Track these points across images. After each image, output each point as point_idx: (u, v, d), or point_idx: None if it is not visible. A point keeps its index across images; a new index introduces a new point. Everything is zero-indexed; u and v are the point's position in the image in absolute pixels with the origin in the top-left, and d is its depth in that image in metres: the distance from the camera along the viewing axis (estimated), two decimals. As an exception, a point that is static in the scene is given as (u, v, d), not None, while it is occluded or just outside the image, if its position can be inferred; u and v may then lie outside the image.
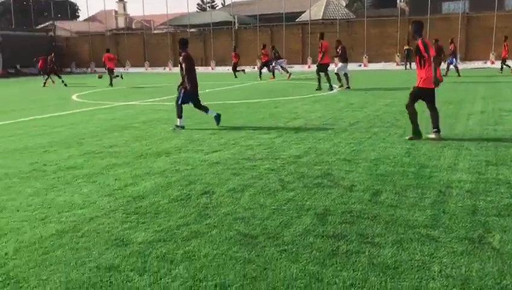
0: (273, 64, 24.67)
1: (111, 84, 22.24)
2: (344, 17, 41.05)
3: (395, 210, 4.37)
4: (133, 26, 54.58)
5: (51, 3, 47.41)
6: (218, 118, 9.52)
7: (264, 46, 25.21)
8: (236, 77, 25.27)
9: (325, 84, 16.60)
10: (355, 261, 3.35)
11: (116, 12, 56.73)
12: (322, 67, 16.90)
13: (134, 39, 44.29)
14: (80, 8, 66.25)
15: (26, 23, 47.81)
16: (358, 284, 3.04)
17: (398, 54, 33.19)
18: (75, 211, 4.58)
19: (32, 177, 5.92)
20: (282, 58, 25.76)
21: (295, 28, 38.55)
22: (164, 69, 40.98)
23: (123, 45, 43.06)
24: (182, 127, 9.32)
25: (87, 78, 31.24)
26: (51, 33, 46.85)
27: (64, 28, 49.46)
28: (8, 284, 3.14)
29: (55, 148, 7.71)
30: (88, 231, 4.07)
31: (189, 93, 9.44)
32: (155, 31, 48.86)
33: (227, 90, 18.98)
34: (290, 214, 4.35)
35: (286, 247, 3.61)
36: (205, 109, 9.68)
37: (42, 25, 50.23)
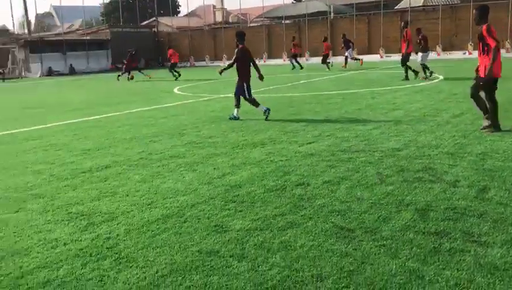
0: (347, 53, 24.94)
1: (177, 77, 23.83)
2: (447, 2, 38.63)
3: (505, 208, 4.07)
4: (230, 20, 55.94)
5: (155, 1, 50.08)
6: (267, 112, 9.45)
7: (294, 38, 29.49)
8: (329, 69, 24.94)
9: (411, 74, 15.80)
10: (460, 260, 3.18)
11: (214, 7, 58.47)
12: (407, 57, 16.25)
13: (231, 33, 45.29)
14: (180, 4, 69.08)
15: (132, 21, 51.00)
16: (463, 284, 2.88)
17: (508, 40, 30.61)
18: (178, 198, 4.83)
19: (140, 165, 6.34)
20: (350, 47, 25.34)
21: (394, 15, 37.05)
22: (259, 61, 41.51)
23: (220, 39, 44.29)
24: (236, 118, 9.58)
25: (186, 72, 32.63)
26: (154, 29, 49.55)
27: (166, 23, 52.03)
28: (120, 263, 3.41)
29: (160, 138, 8.18)
30: (190, 216, 4.28)
31: (240, 86, 9.66)
32: (251, 24, 49.65)
33: (321, 81, 18.79)
34: (388, 208, 4.23)
35: (385, 242, 3.52)
36: (256, 104, 9.70)
37: (146, 22, 53.27)
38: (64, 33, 47.90)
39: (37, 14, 67.41)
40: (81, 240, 3.87)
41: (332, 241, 3.59)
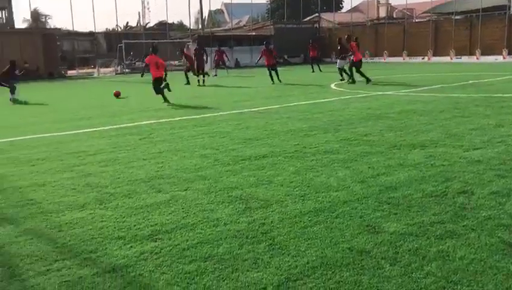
0: None
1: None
2: None
3: None
4: (394, 16, 53.91)
5: (318, -3, 50.64)
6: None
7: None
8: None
9: None
10: None
11: (378, 2, 56.95)
12: None
13: (394, 28, 43.73)
14: (344, 0, 68.64)
15: (295, 17, 52.25)
16: None
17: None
18: (331, 193, 4.86)
19: (295, 157, 6.52)
20: None
21: None
22: (423, 58, 39.36)
23: (382, 35, 43.00)
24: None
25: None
26: (316, 25, 50.12)
27: (327, 19, 52.26)
28: (273, 249, 3.57)
29: (315, 133, 8.30)
30: (342, 213, 4.28)
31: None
32: (416, 20, 47.22)
33: (497, 82, 17.06)
34: None
35: None
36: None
37: (308, 18, 54.12)
38: (233, 29, 51.17)
39: (210, 11, 73.10)
40: (239, 222, 4.14)
41: (497, 257, 3.28)
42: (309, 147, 7.11)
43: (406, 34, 41.96)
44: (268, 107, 12.38)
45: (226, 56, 29.30)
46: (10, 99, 16.47)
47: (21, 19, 77.09)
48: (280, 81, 20.68)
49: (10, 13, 38.23)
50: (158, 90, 13.99)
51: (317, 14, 52.06)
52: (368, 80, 18.02)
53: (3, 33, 34.48)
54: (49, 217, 4.47)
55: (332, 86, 18.23)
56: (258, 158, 6.55)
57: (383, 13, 54.30)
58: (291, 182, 5.34)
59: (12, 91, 16.76)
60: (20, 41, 32.63)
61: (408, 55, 40.67)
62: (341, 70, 20.00)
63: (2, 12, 38.43)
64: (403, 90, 15.27)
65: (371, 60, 39.96)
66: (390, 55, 41.15)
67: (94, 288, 3.08)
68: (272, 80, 20.73)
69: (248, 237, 3.81)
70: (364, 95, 14.41)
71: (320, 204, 4.53)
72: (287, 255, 3.45)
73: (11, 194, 5.25)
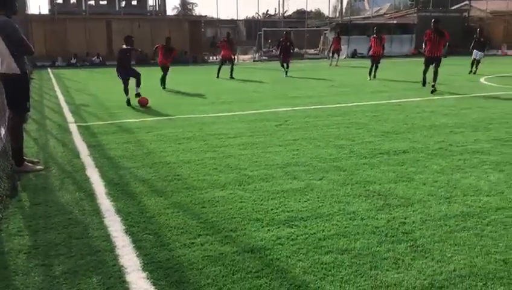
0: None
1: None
2: None
3: None
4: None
5: (470, -17, 46.62)
6: None
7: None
8: None
9: None
10: None
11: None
12: None
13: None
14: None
15: (443, 5, 48.82)
16: None
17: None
18: (481, 197, 4.45)
19: (439, 155, 6.09)
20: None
21: None
22: None
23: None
24: None
25: (496, 60, 29.44)
26: (465, 13, 46.30)
27: (479, 8, 47.92)
28: (415, 251, 3.37)
29: (462, 130, 7.67)
30: (494, 220, 3.88)
31: None
32: None
33: None
34: None
35: None
36: None
37: (457, 6, 50.18)
38: (373, 17, 49.55)
39: (349, -1, 71.67)
40: (377, 219, 3.99)
41: None
42: (455, 145, 6.59)
43: None
44: (408, 99, 11.75)
45: (341, 44, 27.45)
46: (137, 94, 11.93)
47: (171, 7, 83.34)
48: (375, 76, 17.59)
49: (163, 1, 41.57)
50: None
51: (467, 2, 48.00)
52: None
53: (155, 20, 37.55)
54: (194, 193, 4.75)
55: (482, 80, 16.71)
56: (398, 153, 6.25)
57: (547, 0, 48.17)
58: (435, 181, 4.99)
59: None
60: (170, 27, 35.30)
61: None
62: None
63: (156, 0, 41.95)
64: None
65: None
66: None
67: (234, 266, 3.20)
68: (370, 74, 17.67)
69: (387, 235, 3.64)
70: (519, 91, 12.97)
71: (469, 208, 4.17)
72: (430, 259, 3.23)
73: (160, 169, 5.70)
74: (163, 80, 15.62)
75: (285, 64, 20.31)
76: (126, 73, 11.74)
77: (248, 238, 3.64)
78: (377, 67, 17.87)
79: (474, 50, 20.13)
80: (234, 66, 20.18)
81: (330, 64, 27.01)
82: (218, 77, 19.57)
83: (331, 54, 27.88)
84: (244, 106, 11.23)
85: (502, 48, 40.08)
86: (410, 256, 3.28)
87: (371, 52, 18.00)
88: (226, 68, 19.91)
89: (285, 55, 20.40)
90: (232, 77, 19.29)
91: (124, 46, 11.72)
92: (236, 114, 9.95)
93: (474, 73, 19.17)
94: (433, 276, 2.99)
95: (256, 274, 3.08)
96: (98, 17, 35.03)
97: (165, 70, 15.62)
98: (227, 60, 20.21)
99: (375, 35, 17.86)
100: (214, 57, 38.23)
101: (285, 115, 9.73)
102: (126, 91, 11.55)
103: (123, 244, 3.55)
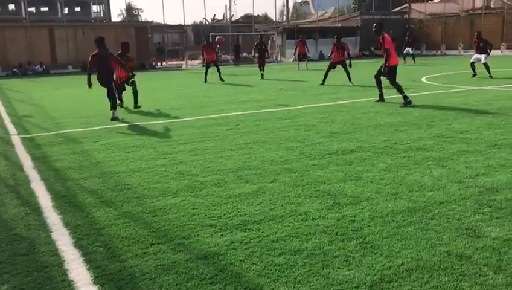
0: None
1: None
2: None
3: None
4: (492, 6, 50.31)
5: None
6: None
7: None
8: None
9: None
10: None
11: (475, -10, 53.50)
12: None
13: (492, 19, 40.87)
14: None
15: (384, 8, 50.51)
16: None
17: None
18: (425, 193, 4.63)
19: (385, 153, 6.30)
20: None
21: None
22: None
23: (478, 26, 40.32)
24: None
25: (436, 61, 30.79)
26: (406, 16, 48.11)
27: (418, 10, 49.95)
28: (365, 247, 3.46)
29: (405, 128, 7.97)
30: (438, 214, 4.06)
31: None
32: (517, 9, 43.70)
33: None
34: None
35: None
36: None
37: (398, 8, 52.07)
38: (318, 20, 50.58)
39: (295, 3, 72.85)
40: (327, 218, 4.07)
41: None
42: (400, 143, 6.83)
43: (506, 25, 39.08)
44: (355, 100, 12.08)
45: (307, 47, 27.82)
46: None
47: (116, 13, 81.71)
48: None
49: (108, 7, 40.78)
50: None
51: (407, 5, 49.92)
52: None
53: (100, 26, 36.70)
54: (144, 202, 4.68)
55: (424, 79, 17.42)
56: (346, 153, 6.41)
57: (479, 3, 50.90)
58: (382, 179, 5.16)
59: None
60: (116, 33, 34.61)
61: (507, 48, 37.90)
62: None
63: (100, 7, 41.11)
64: (503, 85, 14.23)
65: (465, 53, 37.68)
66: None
67: (187, 273, 3.18)
68: (324, 80, 16.79)
69: (338, 233, 3.73)
70: (459, 89, 13.63)
71: (414, 204, 4.33)
72: (379, 255, 3.33)
73: (109, 178, 5.57)
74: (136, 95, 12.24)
75: (261, 67, 21.13)
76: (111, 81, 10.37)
77: (201, 244, 3.63)
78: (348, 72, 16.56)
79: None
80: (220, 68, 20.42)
81: (298, 69, 27.37)
82: (206, 81, 19.56)
83: (297, 58, 28.12)
84: (195, 111, 11.17)
85: (441, 49, 41.93)
86: (360, 253, 3.37)
87: (332, 59, 16.93)
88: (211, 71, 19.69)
89: (261, 58, 21.19)
90: (221, 79, 19.55)
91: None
92: (186, 120, 9.89)
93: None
94: (382, 271, 3.09)
95: (210, 280, 3.07)
96: (40, 25, 33.84)
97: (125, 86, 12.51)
98: (212, 63, 20.26)
99: (335, 42, 16.84)
100: (162, 63, 37.81)
101: (236, 119, 9.76)
102: (119, 99, 11.86)
103: (72, 258, 3.45)
